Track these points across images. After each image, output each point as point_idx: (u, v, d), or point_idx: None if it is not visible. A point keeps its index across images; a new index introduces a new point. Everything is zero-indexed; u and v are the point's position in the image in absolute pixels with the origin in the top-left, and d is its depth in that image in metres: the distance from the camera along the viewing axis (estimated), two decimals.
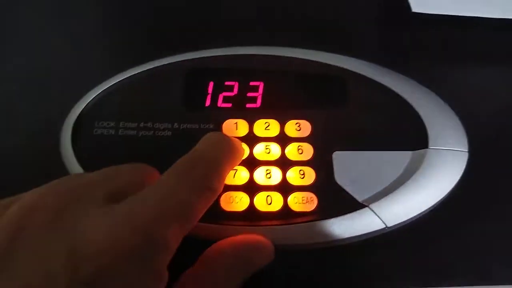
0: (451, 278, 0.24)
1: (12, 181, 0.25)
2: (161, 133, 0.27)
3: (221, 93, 0.28)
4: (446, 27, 0.31)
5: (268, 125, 0.27)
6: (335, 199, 0.25)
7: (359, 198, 0.25)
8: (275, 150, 0.26)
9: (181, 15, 0.32)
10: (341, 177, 0.26)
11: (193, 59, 0.29)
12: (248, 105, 0.28)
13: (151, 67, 0.29)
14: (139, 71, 0.29)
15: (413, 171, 0.26)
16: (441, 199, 0.26)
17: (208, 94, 0.28)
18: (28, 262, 0.16)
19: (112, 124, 0.27)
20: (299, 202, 0.25)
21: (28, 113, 0.28)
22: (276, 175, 0.26)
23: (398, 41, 0.32)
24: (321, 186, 0.25)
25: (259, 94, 0.28)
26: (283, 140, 0.27)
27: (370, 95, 0.28)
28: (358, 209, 0.25)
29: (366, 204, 0.25)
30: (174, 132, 0.27)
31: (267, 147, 0.26)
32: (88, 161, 0.26)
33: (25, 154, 0.27)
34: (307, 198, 0.25)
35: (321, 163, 0.26)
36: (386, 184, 0.26)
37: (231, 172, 0.25)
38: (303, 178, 0.26)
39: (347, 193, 0.25)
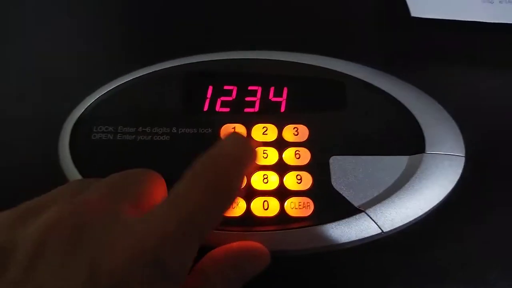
0: (447, 283, 0.24)
1: (10, 186, 0.25)
2: (159, 138, 0.27)
3: (219, 97, 0.28)
4: (445, 32, 0.31)
5: (266, 130, 0.27)
6: (331, 204, 0.25)
7: (356, 203, 0.25)
8: (272, 155, 0.26)
9: (180, 19, 0.32)
10: (337, 182, 0.26)
11: (191, 63, 0.29)
12: (246, 110, 0.28)
13: (149, 71, 0.29)
14: (137, 76, 0.29)
15: (410, 176, 0.26)
16: (438, 204, 0.26)
17: (206, 98, 0.28)
18: (48, 278, 0.16)
19: (110, 128, 0.27)
20: (295, 207, 0.25)
21: (25, 118, 0.28)
22: (273, 180, 0.26)
23: (397, 45, 0.32)
24: (318, 191, 0.26)
25: (257, 99, 0.28)
26: (280, 144, 0.27)
27: (368, 100, 0.28)
28: (355, 214, 0.25)
29: (362, 209, 0.25)
30: (172, 136, 0.27)
31: (264, 151, 0.27)
32: (86, 166, 0.26)
33: (23, 159, 0.27)
34: (303, 203, 0.25)
35: (318, 168, 0.26)
36: (383, 189, 0.26)
37: None
38: (300, 183, 0.26)
39: (344, 198, 0.25)
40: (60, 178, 0.26)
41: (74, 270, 0.16)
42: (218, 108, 0.28)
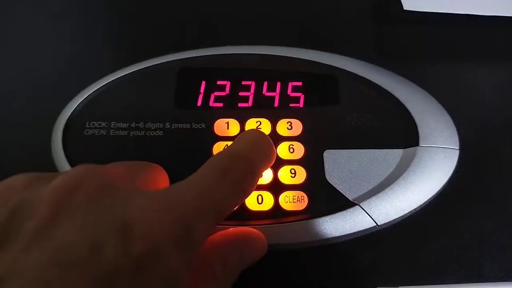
0: (442, 276, 0.24)
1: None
2: (152, 133, 0.27)
3: (212, 92, 0.28)
4: (438, 25, 0.32)
5: (260, 124, 0.27)
6: (326, 198, 0.25)
7: (350, 196, 0.25)
8: None
9: (172, 14, 0.32)
10: (332, 176, 0.26)
11: (184, 58, 0.29)
12: (240, 105, 0.28)
13: (142, 67, 0.29)
14: (130, 71, 0.29)
15: (404, 169, 0.26)
16: (432, 197, 0.26)
17: (200, 93, 0.28)
18: (73, 231, 0.15)
19: (103, 124, 0.27)
20: (290, 201, 0.25)
21: (17, 115, 0.28)
22: (267, 174, 0.26)
23: (390, 39, 0.32)
24: (312, 185, 0.26)
25: (251, 94, 0.28)
26: (274, 139, 0.27)
27: (361, 93, 0.28)
28: (349, 208, 0.25)
29: (356, 202, 0.25)
30: (166, 132, 0.27)
31: None
32: (79, 162, 0.25)
33: (15, 155, 0.27)
34: (298, 197, 0.25)
35: (312, 162, 0.26)
36: (377, 182, 0.26)
37: None
38: (294, 177, 0.26)
39: (338, 191, 0.25)
40: None
41: (103, 230, 0.16)
42: (211, 103, 0.28)
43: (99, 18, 0.33)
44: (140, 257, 0.15)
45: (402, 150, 0.27)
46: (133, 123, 0.27)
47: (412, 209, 0.25)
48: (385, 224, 0.25)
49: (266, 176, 0.26)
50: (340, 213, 0.25)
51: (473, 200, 0.26)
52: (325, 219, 0.25)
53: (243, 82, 0.29)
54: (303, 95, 0.28)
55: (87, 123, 0.27)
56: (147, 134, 0.27)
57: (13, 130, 0.28)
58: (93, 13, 0.33)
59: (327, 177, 0.26)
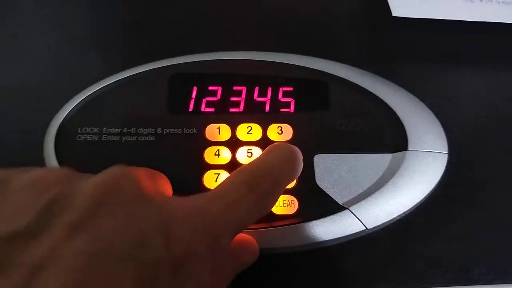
0: (431, 279, 0.25)
1: None
2: (144, 138, 0.27)
3: (204, 97, 0.28)
4: (426, 31, 0.32)
5: (251, 129, 0.28)
6: (316, 202, 0.26)
7: (340, 200, 0.26)
8: (257, 154, 0.27)
9: (164, 20, 0.32)
10: (322, 180, 0.26)
11: (176, 64, 0.30)
12: (231, 110, 0.28)
13: (134, 72, 0.29)
14: (122, 77, 0.29)
15: (393, 173, 0.26)
16: (421, 201, 0.26)
17: (191, 99, 0.28)
18: (116, 226, 0.16)
19: (95, 130, 0.27)
20: (280, 205, 0.25)
21: (9, 120, 0.28)
22: None
23: (379, 44, 0.32)
24: (302, 189, 0.26)
25: (242, 99, 0.29)
26: (265, 143, 0.27)
27: (351, 99, 0.29)
28: (339, 212, 0.25)
29: (346, 206, 0.25)
30: (158, 137, 0.27)
31: (249, 151, 0.27)
32: (71, 167, 0.26)
33: (8, 160, 0.27)
34: (288, 201, 0.25)
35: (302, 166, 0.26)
36: (367, 186, 0.26)
37: (213, 177, 0.26)
38: None
39: (328, 195, 0.26)
40: None
41: (144, 228, 0.16)
42: (203, 108, 0.28)
43: (91, 24, 0.33)
44: (179, 257, 0.16)
45: (391, 154, 0.27)
46: (125, 128, 0.27)
47: (401, 213, 0.26)
48: (374, 228, 0.25)
49: None
50: (330, 217, 0.25)
51: (461, 204, 0.26)
52: (315, 223, 0.25)
53: (235, 88, 0.29)
54: (293, 100, 0.28)
55: (79, 128, 0.27)
56: (139, 139, 0.27)
57: (4, 137, 0.28)
58: (85, 19, 0.33)
59: (317, 181, 0.26)
